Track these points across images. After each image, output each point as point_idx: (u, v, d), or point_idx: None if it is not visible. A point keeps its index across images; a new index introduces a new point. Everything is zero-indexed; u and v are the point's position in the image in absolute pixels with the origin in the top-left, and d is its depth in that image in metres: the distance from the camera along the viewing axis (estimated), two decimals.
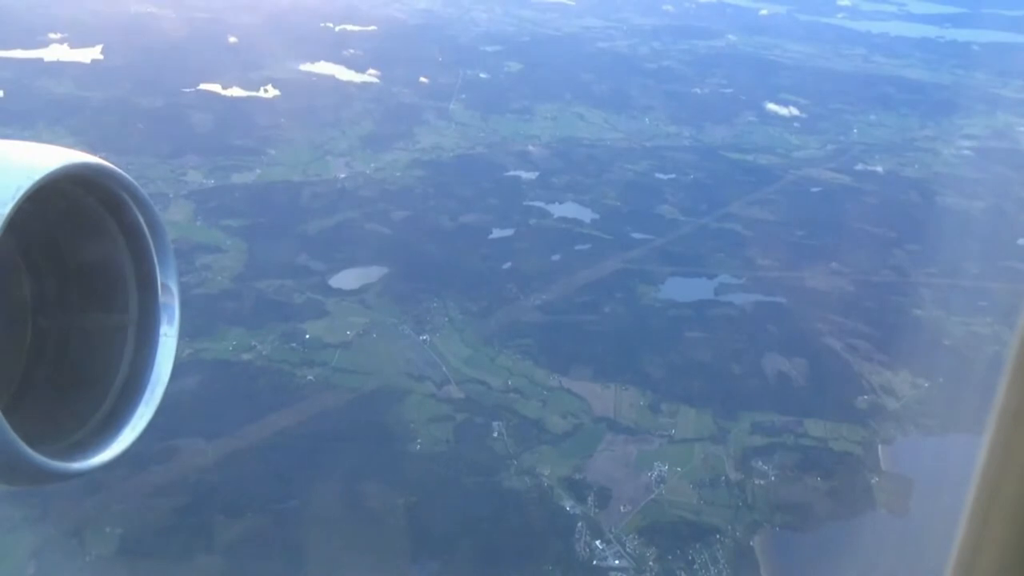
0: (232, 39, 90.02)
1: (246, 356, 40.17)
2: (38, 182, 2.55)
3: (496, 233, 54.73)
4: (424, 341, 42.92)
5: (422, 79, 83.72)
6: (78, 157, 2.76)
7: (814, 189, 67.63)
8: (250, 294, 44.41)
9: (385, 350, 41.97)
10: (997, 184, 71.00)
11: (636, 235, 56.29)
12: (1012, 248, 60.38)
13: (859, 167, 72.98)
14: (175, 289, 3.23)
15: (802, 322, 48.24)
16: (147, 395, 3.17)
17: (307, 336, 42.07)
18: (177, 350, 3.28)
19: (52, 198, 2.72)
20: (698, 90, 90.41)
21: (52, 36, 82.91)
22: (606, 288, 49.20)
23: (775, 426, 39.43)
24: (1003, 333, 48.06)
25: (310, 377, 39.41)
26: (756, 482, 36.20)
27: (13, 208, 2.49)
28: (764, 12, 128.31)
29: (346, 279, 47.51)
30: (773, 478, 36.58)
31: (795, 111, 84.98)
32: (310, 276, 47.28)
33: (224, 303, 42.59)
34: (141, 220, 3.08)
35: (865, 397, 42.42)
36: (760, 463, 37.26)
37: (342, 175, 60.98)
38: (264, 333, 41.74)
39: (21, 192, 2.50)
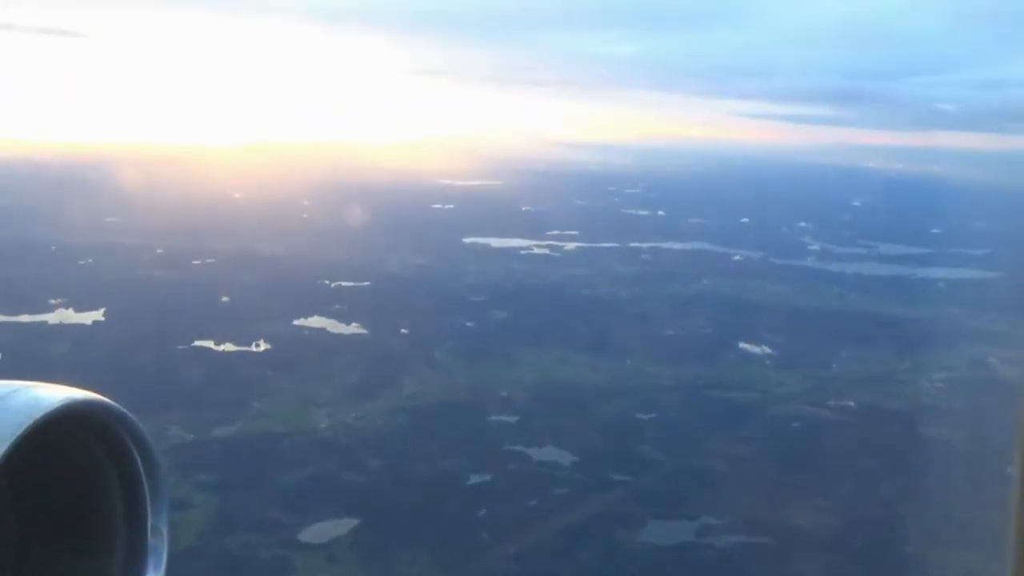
0: (228, 298, 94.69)
1: None
2: (38, 421, 2.55)
3: (473, 479, 54.28)
4: None
5: (409, 329, 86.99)
6: (80, 395, 2.77)
7: (795, 424, 67.82)
8: (214, 552, 43.33)
9: None
10: (979, 413, 71.22)
11: (616, 477, 55.75)
12: (1000, 477, 59.23)
13: (839, 401, 73.63)
14: (166, 532, 3.12)
15: (789, 563, 46.49)
16: None
17: None
18: None
19: (51, 435, 2.68)
20: (679, 331, 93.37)
21: (53, 301, 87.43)
22: (584, 533, 47.98)
23: None
24: (999, 568, 46.10)
25: None
26: None
27: (9, 449, 2.47)
28: (737, 258, 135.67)
29: (316, 532, 46.54)
30: None
31: (774, 349, 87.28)
32: (279, 530, 46.36)
33: (185, 563, 41.37)
34: (139, 460, 3.04)
35: None
36: None
37: (323, 425, 61.69)
38: None
39: (20, 431, 2.50)
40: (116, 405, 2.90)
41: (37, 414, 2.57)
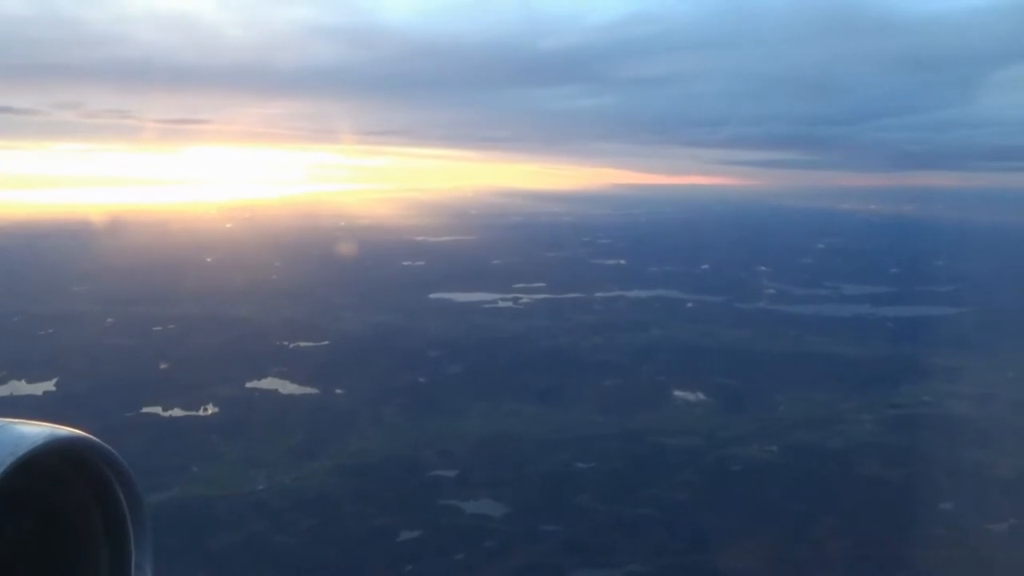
0: (183, 363, 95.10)
1: None
2: (21, 458, 2.52)
3: (404, 535, 54.58)
4: None
5: (361, 388, 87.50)
6: (64, 431, 2.77)
7: (734, 467, 68.38)
8: None
9: None
10: (919, 451, 72.01)
11: (547, 527, 56.12)
12: (934, 514, 59.95)
13: (782, 443, 74.23)
14: (149, 570, 3.14)
15: None
16: None
17: None
18: None
19: (34, 472, 2.66)
20: (631, 380, 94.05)
21: (4, 373, 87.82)
22: None
23: None
24: None
25: None
26: None
27: None
28: (697, 304, 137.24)
29: None
30: None
31: (722, 393, 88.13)
32: None
33: None
34: (122, 498, 3.02)
35: None
36: None
37: (260, 487, 61.93)
38: None
39: (3, 468, 2.48)
40: (100, 442, 2.93)
41: (20, 451, 2.56)
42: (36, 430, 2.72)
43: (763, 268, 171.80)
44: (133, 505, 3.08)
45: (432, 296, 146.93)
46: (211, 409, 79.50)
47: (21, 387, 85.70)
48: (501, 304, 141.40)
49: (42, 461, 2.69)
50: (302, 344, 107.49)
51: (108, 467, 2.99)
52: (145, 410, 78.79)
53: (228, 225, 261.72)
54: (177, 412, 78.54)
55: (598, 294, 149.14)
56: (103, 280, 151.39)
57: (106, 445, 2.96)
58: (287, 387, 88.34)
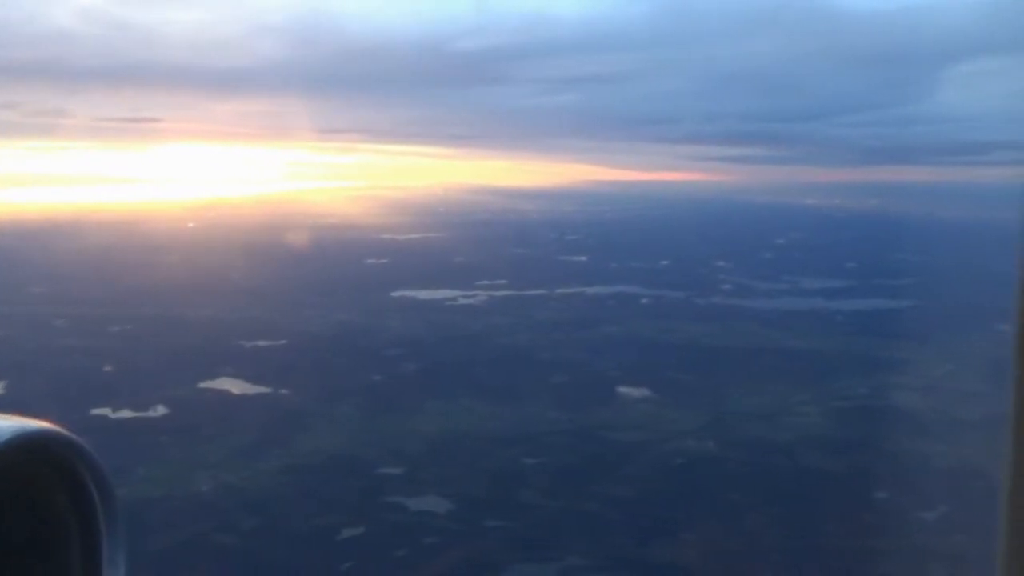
0: (136, 363, 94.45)
1: None
2: None
3: (346, 533, 54.83)
4: None
5: (315, 386, 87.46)
6: (33, 425, 2.71)
7: (680, 461, 69.42)
8: None
9: None
10: (861, 442, 73.53)
11: (489, 523, 56.69)
12: (870, 503, 61.33)
13: (729, 437, 75.44)
14: (123, 564, 3.03)
15: None
16: None
17: None
18: None
19: (1, 467, 2.57)
20: (586, 376, 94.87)
21: None
22: None
23: None
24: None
25: None
26: None
27: None
28: (652, 300, 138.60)
29: None
30: None
31: (673, 387, 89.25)
32: None
33: None
34: (94, 491, 2.95)
35: None
36: None
37: (205, 488, 61.85)
38: None
39: None
40: (72, 435, 2.83)
41: None
42: (3, 423, 2.61)
43: (723, 263, 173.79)
44: (105, 498, 2.99)
45: (394, 294, 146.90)
46: (161, 410, 79.07)
47: None
48: (462, 301, 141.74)
49: (10, 456, 2.57)
50: (259, 343, 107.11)
51: (80, 460, 2.89)
52: (94, 412, 78.13)
53: (191, 224, 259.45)
54: (126, 413, 78.06)
55: (559, 291, 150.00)
56: (61, 281, 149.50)
57: (78, 438, 2.87)
58: (241, 387, 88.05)
